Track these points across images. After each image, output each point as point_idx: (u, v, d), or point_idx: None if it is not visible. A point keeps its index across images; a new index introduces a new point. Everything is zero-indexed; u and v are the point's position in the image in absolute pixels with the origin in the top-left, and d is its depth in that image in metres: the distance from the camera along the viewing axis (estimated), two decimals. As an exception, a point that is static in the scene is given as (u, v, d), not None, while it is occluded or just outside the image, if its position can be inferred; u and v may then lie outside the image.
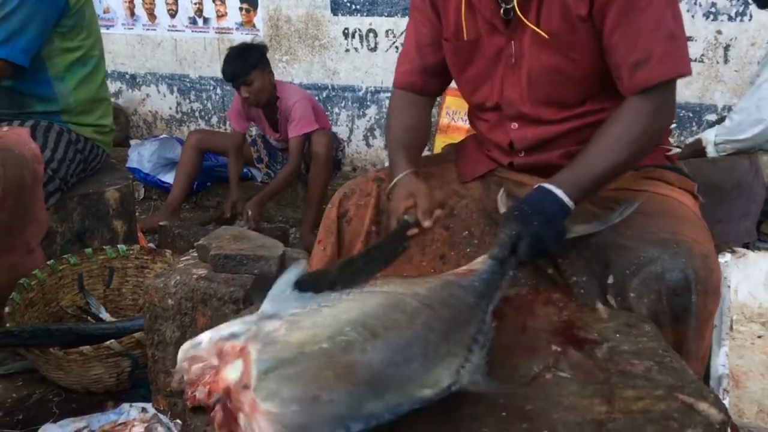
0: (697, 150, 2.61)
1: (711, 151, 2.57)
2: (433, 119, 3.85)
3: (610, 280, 1.28)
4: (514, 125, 1.54)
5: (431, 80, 1.65)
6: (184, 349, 0.92)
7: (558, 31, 1.38)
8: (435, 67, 1.63)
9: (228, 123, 4.19)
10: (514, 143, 1.55)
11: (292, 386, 0.80)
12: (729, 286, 1.85)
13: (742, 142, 2.50)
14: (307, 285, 1.07)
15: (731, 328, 1.78)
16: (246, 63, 3.35)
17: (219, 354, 0.87)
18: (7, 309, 1.95)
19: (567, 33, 1.38)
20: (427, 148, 4.06)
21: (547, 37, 1.39)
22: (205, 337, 0.91)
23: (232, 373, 0.84)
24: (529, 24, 1.40)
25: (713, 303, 1.25)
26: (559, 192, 1.27)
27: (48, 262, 2.17)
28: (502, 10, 1.43)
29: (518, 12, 1.41)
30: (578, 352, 1.08)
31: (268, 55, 3.53)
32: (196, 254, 1.77)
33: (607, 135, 1.33)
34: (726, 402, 1.52)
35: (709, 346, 1.36)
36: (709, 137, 2.57)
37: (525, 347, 1.10)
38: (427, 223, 1.35)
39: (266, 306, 1.01)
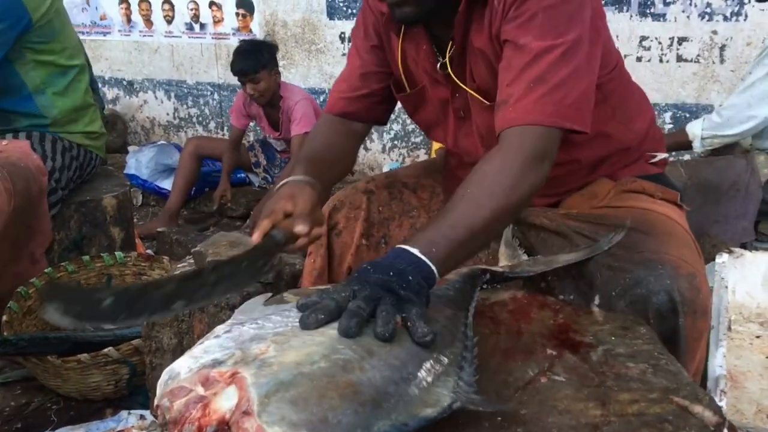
0: (679, 141, 2.62)
1: (697, 146, 2.58)
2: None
3: (597, 300, 1.25)
4: None
5: (375, 107, 1.57)
6: (163, 382, 0.84)
7: (493, 91, 1.29)
8: (380, 94, 1.56)
9: (229, 128, 4.19)
10: None
11: (299, 409, 0.76)
12: (727, 287, 1.85)
13: (730, 137, 2.53)
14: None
15: (729, 329, 1.77)
16: (256, 61, 3.39)
17: (204, 383, 0.80)
18: (4, 317, 1.95)
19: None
20: (424, 151, 4.08)
21: (487, 103, 1.34)
22: (183, 368, 0.84)
23: (225, 402, 0.78)
24: (464, 87, 1.36)
25: (702, 323, 1.20)
26: (414, 250, 1.02)
27: (45, 270, 2.18)
28: (438, 65, 1.39)
29: (452, 74, 1.36)
30: (573, 356, 1.07)
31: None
32: (192, 261, 1.77)
33: (467, 192, 1.14)
34: (724, 403, 1.51)
35: (702, 364, 1.33)
36: (695, 131, 2.57)
37: (520, 351, 1.10)
38: (299, 227, 1.22)
39: (238, 316, 0.98)
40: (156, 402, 0.83)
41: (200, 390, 0.80)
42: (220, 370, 0.81)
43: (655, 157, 1.51)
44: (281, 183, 1.34)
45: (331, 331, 0.90)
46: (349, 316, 0.89)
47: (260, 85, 3.42)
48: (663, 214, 1.37)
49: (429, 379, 0.89)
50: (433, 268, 1.02)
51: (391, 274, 0.97)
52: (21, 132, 2.30)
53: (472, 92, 1.37)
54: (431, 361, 0.92)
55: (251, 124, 3.83)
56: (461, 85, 1.37)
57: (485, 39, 1.29)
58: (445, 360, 0.94)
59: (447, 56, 1.36)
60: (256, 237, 1.20)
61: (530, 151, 1.16)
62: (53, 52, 2.33)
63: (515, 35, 1.22)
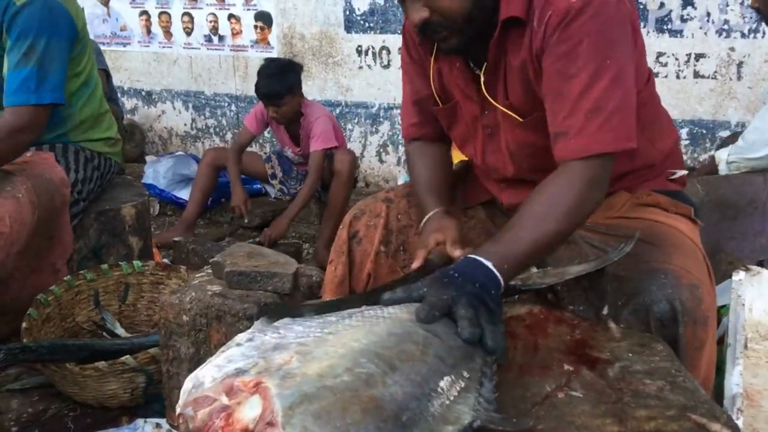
0: (711, 170, 2.63)
1: (723, 169, 2.57)
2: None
3: (605, 311, 1.27)
4: (503, 185, 1.55)
5: (440, 125, 1.64)
6: (186, 391, 0.84)
7: (526, 108, 1.35)
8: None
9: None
10: (504, 203, 1.57)
11: (322, 422, 0.76)
12: (743, 304, 1.84)
13: (755, 160, 2.51)
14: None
15: (745, 347, 1.76)
16: (282, 86, 3.36)
17: (228, 392, 0.81)
18: (24, 324, 1.98)
19: (535, 110, 1.35)
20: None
21: (520, 119, 1.38)
22: (207, 377, 0.84)
23: (249, 412, 0.78)
24: (497, 105, 1.40)
25: (703, 333, 1.21)
26: (489, 264, 1.14)
27: (65, 278, 2.20)
28: (474, 82, 1.42)
29: (485, 92, 1.40)
30: (590, 372, 1.08)
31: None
32: (210, 271, 1.79)
33: (533, 209, 1.23)
34: (740, 422, 1.50)
35: (711, 376, 1.33)
36: (722, 156, 2.58)
37: (537, 366, 1.10)
38: (457, 253, 1.33)
39: (261, 327, 0.97)
40: (179, 410, 0.83)
41: (224, 399, 0.80)
42: (244, 379, 0.81)
43: (674, 174, 1.53)
44: (428, 217, 1.49)
45: (354, 343, 0.91)
46: (468, 323, 1.02)
47: (283, 109, 3.41)
48: (673, 226, 1.39)
49: (450, 395, 0.89)
50: (502, 283, 1.13)
51: (477, 285, 1.09)
52: (44, 144, 2.32)
53: (505, 109, 1.39)
54: (452, 376, 0.92)
55: (267, 135, 3.84)
56: (494, 102, 1.40)
57: (524, 58, 1.32)
58: (466, 375, 0.95)
59: (482, 76, 1.39)
60: (416, 264, 1.36)
61: (591, 178, 1.24)
62: (84, 64, 2.36)
63: (563, 64, 1.24)
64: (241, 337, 0.96)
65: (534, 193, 1.26)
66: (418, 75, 1.58)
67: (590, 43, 1.22)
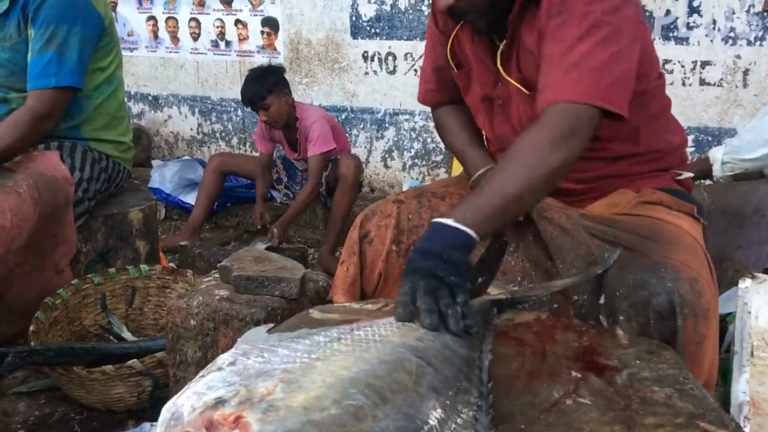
0: (704, 168, 2.60)
1: (717, 170, 2.53)
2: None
3: (602, 300, 1.29)
4: None
5: (458, 93, 1.70)
6: (165, 421, 0.79)
7: (536, 84, 1.39)
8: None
9: (251, 144, 4.23)
10: None
11: None
12: (750, 312, 1.84)
13: (749, 161, 2.47)
14: None
15: (752, 355, 1.76)
16: (261, 88, 3.39)
17: (208, 427, 0.75)
18: (31, 328, 1.98)
19: None
20: (444, 170, 4.10)
21: (527, 92, 1.44)
22: (186, 407, 0.78)
23: None
24: (510, 80, 1.46)
25: (704, 327, 1.22)
26: (449, 221, 1.14)
27: (72, 282, 2.21)
28: (491, 57, 1.49)
29: (499, 67, 1.46)
30: (598, 379, 1.08)
31: (289, 78, 3.57)
32: (218, 275, 1.80)
33: (502, 162, 1.27)
34: (747, 429, 1.51)
35: (713, 377, 1.34)
36: (717, 155, 2.54)
37: (545, 372, 1.10)
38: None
39: (244, 349, 0.92)
40: None
41: None
42: (224, 412, 0.76)
43: (681, 174, 1.56)
44: (482, 171, 1.54)
45: (343, 371, 0.86)
46: (427, 315, 1.03)
47: (271, 111, 3.42)
48: (675, 224, 1.42)
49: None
50: (470, 232, 1.12)
51: (434, 257, 1.08)
52: (53, 141, 2.34)
53: (516, 83, 1.46)
54: (447, 411, 0.88)
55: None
56: (506, 77, 1.46)
57: (534, 38, 1.39)
58: (462, 409, 0.90)
59: (499, 51, 1.46)
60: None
61: (560, 127, 1.24)
62: (109, 60, 2.42)
63: (556, 30, 1.32)
64: (223, 360, 0.90)
65: (507, 150, 1.28)
66: (441, 43, 1.64)
67: (585, 12, 1.29)
